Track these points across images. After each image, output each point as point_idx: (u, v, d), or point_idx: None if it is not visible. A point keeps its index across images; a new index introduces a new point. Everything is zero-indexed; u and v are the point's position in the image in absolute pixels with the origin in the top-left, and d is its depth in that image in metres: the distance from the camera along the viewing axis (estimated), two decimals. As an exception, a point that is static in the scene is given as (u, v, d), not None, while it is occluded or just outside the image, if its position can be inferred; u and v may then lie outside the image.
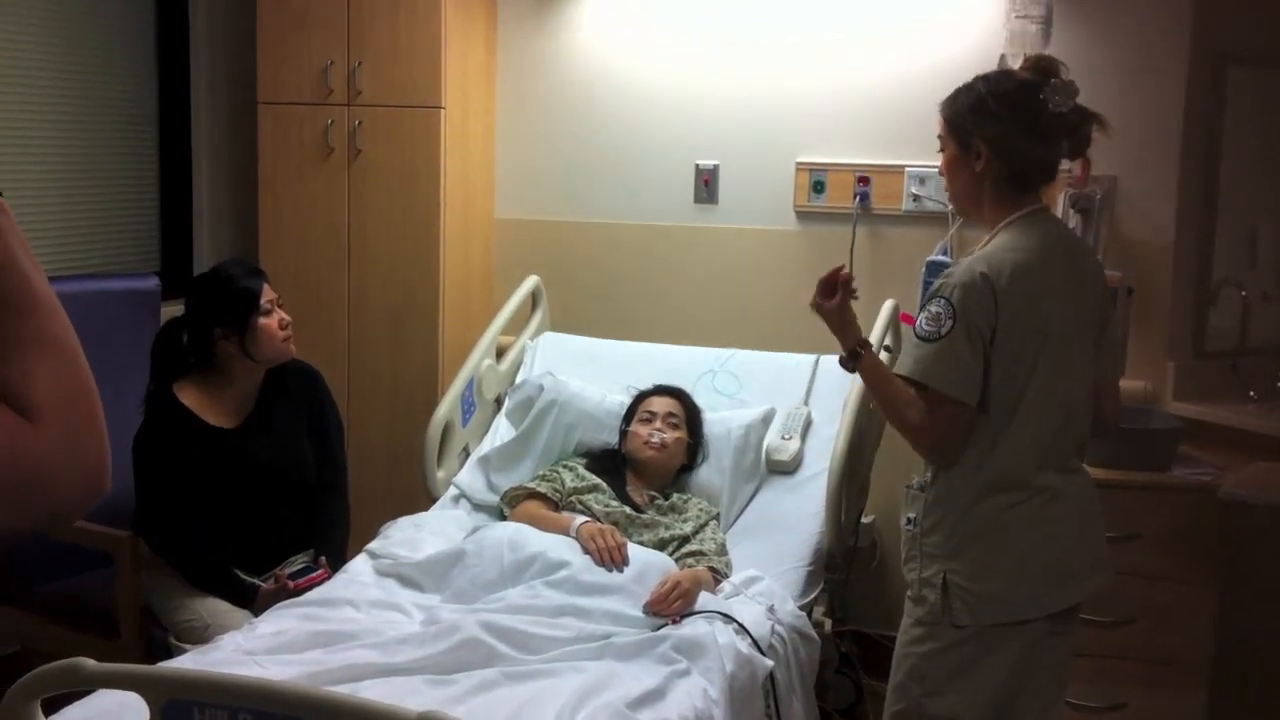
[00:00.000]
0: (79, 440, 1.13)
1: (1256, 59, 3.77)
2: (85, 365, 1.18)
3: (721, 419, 3.57)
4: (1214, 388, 3.72)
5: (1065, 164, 3.44)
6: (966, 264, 2.37)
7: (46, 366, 1.14)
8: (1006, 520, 2.38)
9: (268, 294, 3.22)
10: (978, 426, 2.37)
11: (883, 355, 3.46)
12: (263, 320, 3.18)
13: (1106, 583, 2.54)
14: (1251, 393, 3.71)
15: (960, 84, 2.48)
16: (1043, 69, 2.40)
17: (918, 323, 2.38)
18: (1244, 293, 3.76)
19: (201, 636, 2.95)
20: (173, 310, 3.35)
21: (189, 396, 3.18)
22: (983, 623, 2.37)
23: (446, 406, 3.62)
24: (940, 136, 2.50)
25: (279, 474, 3.24)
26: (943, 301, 2.33)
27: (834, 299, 2.54)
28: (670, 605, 2.83)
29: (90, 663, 1.80)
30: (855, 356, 2.51)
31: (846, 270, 2.57)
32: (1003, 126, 2.38)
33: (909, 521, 2.49)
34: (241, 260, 3.44)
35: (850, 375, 3.48)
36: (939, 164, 2.55)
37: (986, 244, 2.43)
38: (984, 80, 2.44)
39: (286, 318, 3.25)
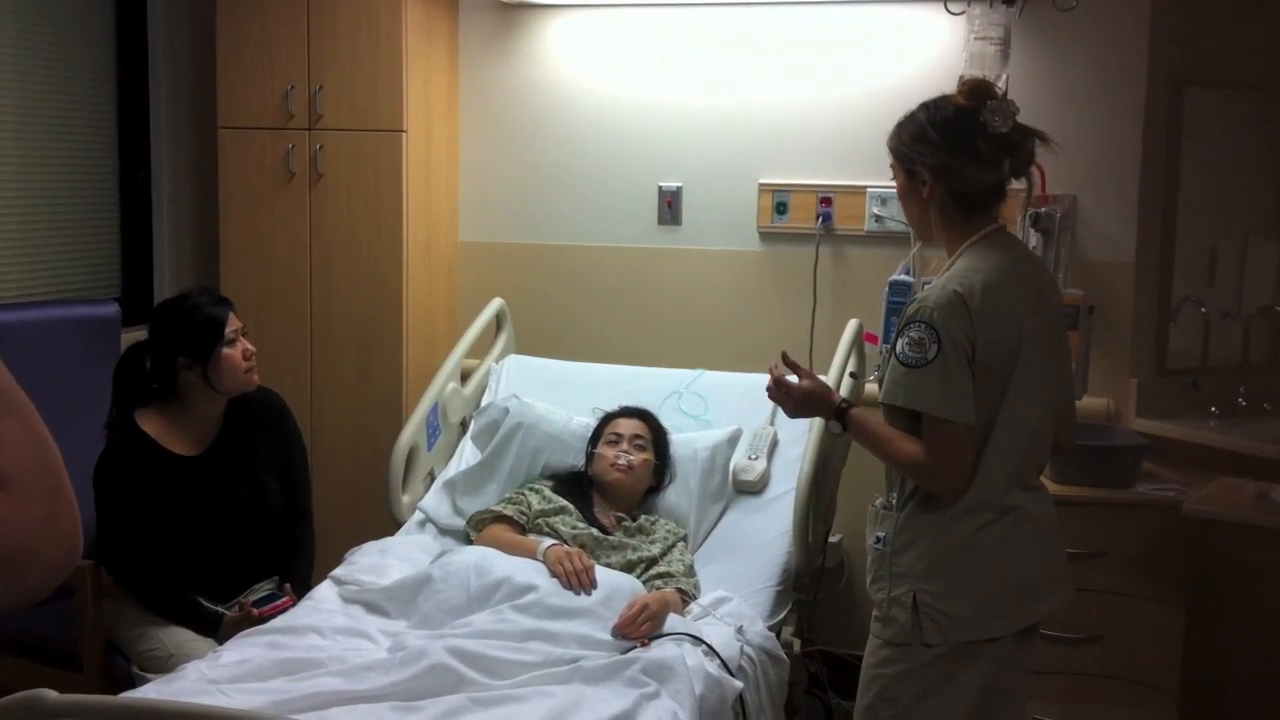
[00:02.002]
0: (53, 509, 1.04)
1: (1214, 80, 3.81)
2: (42, 423, 1.07)
3: (688, 440, 3.56)
4: (1176, 405, 3.75)
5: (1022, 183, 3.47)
6: (938, 285, 2.37)
7: (6, 427, 1.04)
8: (978, 541, 2.38)
9: (233, 323, 3.19)
10: None
11: (846, 381, 3.48)
12: (226, 351, 3.16)
13: (1069, 598, 2.55)
14: (1213, 409, 3.74)
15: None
16: (979, 92, 2.42)
17: (898, 350, 2.36)
18: (1204, 310, 3.80)
19: (165, 666, 2.92)
20: (133, 337, 3.32)
21: (150, 424, 3.15)
22: (953, 641, 2.38)
23: (411, 430, 3.60)
24: (891, 165, 2.53)
25: (242, 502, 3.21)
26: (923, 326, 2.32)
27: (801, 383, 2.56)
28: (639, 628, 2.82)
29: (52, 694, 1.77)
30: (843, 415, 2.51)
31: (782, 358, 2.63)
32: (944, 154, 2.41)
33: (877, 540, 2.49)
34: (208, 289, 3.40)
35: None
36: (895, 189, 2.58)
37: (950, 266, 2.44)
38: (924, 109, 2.47)
39: (251, 348, 3.22)
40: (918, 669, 2.40)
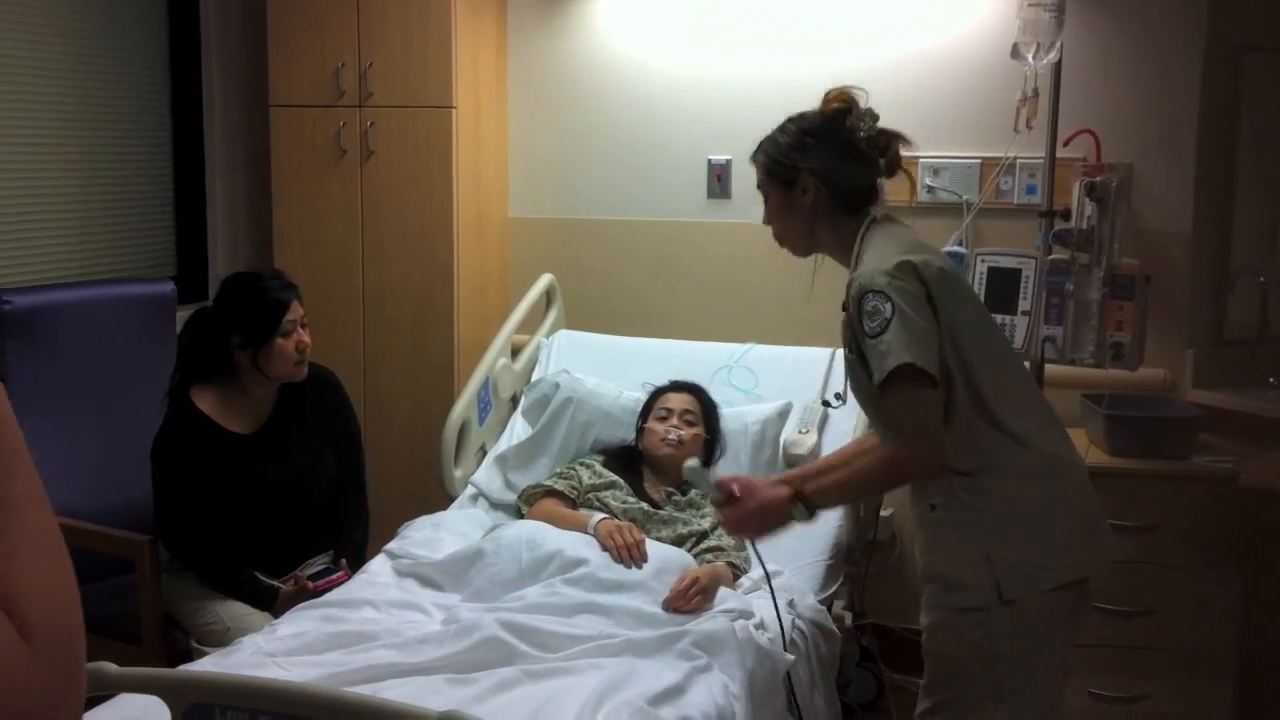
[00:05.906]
0: (68, 680, 0.84)
1: (1272, 46, 3.74)
2: (70, 565, 0.89)
3: (738, 414, 3.56)
4: (1233, 376, 3.70)
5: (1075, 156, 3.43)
6: (867, 267, 2.36)
7: (41, 567, 0.85)
8: (1039, 493, 2.36)
9: (294, 312, 3.20)
10: (980, 413, 2.35)
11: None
12: (280, 341, 3.17)
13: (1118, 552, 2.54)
14: (1271, 379, 3.69)
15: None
16: (843, 98, 2.52)
17: (865, 330, 2.30)
18: (1262, 279, 3.74)
19: (222, 639, 2.96)
20: (188, 315, 3.35)
21: (205, 402, 3.19)
22: (1035, 590, 2.32)
23: (463, 406, 3.62)
24: (759, 186, 2.58)
25: (296, 478, 3.24)
26: (870, 296, 2.29)
27: (745, 505, 2.45)
28: (690, 601, 2.83)
29: (112, 667, 1.80)
30: (804, 499, 2.41)
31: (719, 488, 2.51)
32: (825, 156, 2.49)
33: (932, 509, 2.45)
34: (279, 274, 3.33)
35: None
36: (764, 215, 2.59)
37: (860, 256, 2.43)
38: (794, 121, 2.56)
39: (306, 340, 3.23)
40: (1002, 630, 2.34)
